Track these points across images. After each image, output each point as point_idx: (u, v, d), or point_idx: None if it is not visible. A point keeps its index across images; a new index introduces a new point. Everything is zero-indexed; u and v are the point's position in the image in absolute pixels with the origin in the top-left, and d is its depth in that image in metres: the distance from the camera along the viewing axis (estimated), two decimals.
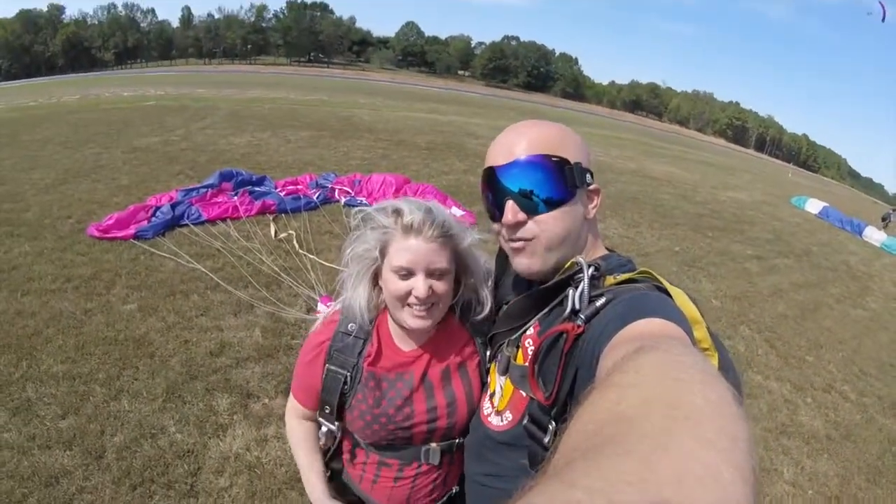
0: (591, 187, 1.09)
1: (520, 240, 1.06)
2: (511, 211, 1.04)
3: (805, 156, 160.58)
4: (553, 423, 0.92)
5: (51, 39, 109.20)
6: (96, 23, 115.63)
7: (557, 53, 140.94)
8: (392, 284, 1.22)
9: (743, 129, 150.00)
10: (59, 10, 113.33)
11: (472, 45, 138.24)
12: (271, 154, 10.96)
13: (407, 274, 1.20)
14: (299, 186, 8.09)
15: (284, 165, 9.92)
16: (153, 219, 6.32)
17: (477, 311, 1.35)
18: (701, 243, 8.98)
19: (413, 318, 1.24)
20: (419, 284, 1.20)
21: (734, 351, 5.22)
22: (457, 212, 6.97)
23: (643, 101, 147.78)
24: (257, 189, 7.64)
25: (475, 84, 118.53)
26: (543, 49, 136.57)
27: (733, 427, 0.41)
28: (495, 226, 1.12)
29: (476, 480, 1.22)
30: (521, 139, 1.05)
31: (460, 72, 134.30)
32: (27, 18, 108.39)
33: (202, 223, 6.50)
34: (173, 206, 6.59)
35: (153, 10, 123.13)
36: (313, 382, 1.36)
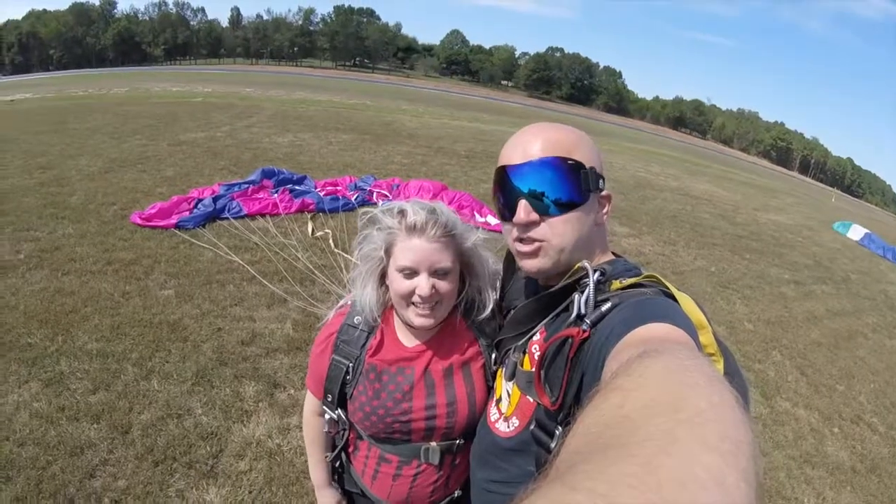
0: (603, 193, 1.09)
1: (531, 241, 1.06)
2: (524, 210, 1.03)
3: (850, 180, 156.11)
4: (560, 428, 0.92)
5: (102, 33, 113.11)
6: (147, 19, 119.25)
7: (601, 66, 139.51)
8: (397, 283, 1.25)
9: (787, 151, 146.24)
10: (112, 4, 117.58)
11: (516, 56, 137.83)
12: (313, 155, 11.11)
13: (411, 273, 1.23)
14: (339, 187, 8.20)
15: (325, 166, 10.04)
16: (195, 210, 6.52)
17: (479, 310, 1.36)
18: (738, 265, 8.79)
19: (417, 317, 1.26)
20: (423, 283, 1.22)
21: (764, 376, 5.10)
22: (492, 220, 6.98)
23: (687, 117, 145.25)
24: (297, 188, 7.77)
25: (518, 94, 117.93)
26: (587, 62, 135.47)
27: (737, 431, 0.41)
28: (506, 225, 1.11)
29: (482, 487, 1.21)
30: (536, 140, 1.05)
31: (503, 82, 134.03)
32: (80, 11, 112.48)
33: (242, 217, 6.65)
34: (215, 200, 6.78)
35: (203, 9, 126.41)
36: (321, 372, 1.41)
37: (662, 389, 0.48)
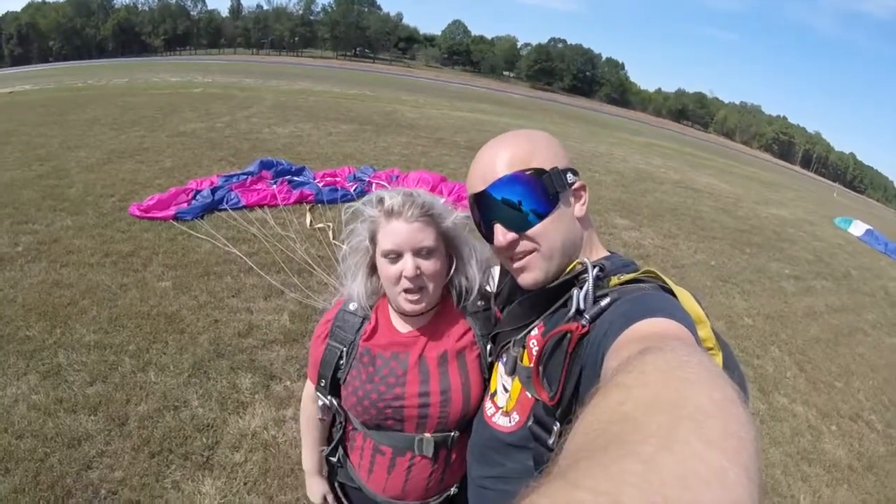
0: (575, 185, 1.08)
1: (519, 256, 1.07)
2: (500, 233, 1.05)
3: (851, 175, 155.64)
4: (557, 423, 0.93)
5: (102, 24, 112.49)
6: (147, 9, 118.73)
7: (604, 58, 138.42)
8: (384, 269, 1.28)
9: (789, 145, 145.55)
10: None
11: (518, 47, 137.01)
12: (312, 145, 11.10)
13: (396, 256, 1.25)
14: (337, 178, 8.20)
15: (324, 157, 10.03)
16: (193, 202, 6.51)
17: (468, 295, 1.38)
18: (738, 259, 8.77)
19: (407, 303, 1.28)
20: (407, 264, 1.24)
21: (762, 371, 5.10)
22: None
23: (689, 110, 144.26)
24: (296, 179, 7.76)
25: (520, 85, 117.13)
26: (590, 53, 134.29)
27: (739, 428, 0.41)
28: (491, 247, 1.13)
29: (479, 484, 1.22)
30: (493, 160, 1.06)
31: (505, 72, 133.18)
32: (79, 2, 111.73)
33: (240, 209, 6.65)
34: (213, 191, 6.78)
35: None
36: (317, 358, 1.43)
37: (664, 386, 0.48)
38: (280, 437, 3.11)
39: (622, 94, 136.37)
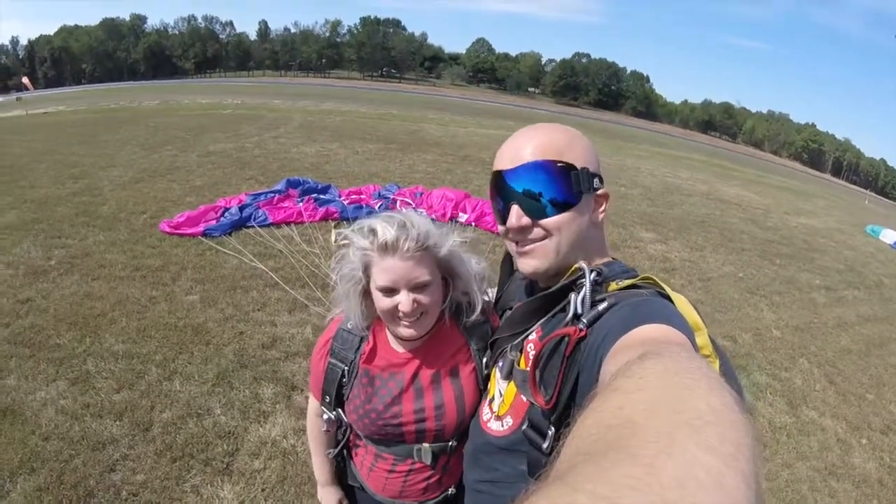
0: (600, 192, 1.08)
1: (528, 242, 1.07)
2: (515, 215, 1.05)
3: (883, 182, 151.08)
4: (552, 428, 0.93)
5: (133, 47, 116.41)
6: (177, 33, 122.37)
7: (629, 71, 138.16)
8: (379, 301, 1.26)
9: (819, 153, 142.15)
10: (141, 19, 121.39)
11: (543, 62, 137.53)
12: (339, 164, 11.24)
13: (391, 292, 1.23)
14: (362, 196, 8.28)
15: (351, 175, 10.13)
16: (222, 219, 6.68)
17: (469, 312, 1.37)
18: (767, 270, 8.59)
19: (404, 329, 1.28)
20: (404, 300, 1.23)
21: (790, 384, 4.97)
22: None
23: (717, 121, 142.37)
24: (322, 196, 7.88)
25: (545, 101, 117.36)
26: (614, 67, 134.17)
27: (737, 433, 0.41)
28: (502, 228, 1.12)
29: (474, 488, 1.22)
30: (527, 144, 1.06)
31: (530, 89, 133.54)
32: (110, 26, 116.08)
33: (267, 226, 6.78)
34: (241, 209, 6.94)
35: (231, 23, 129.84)
36: (319, 375, 1.46)
37: (663, 391, 0.48)
38: (299, 446, 3.14)
39: (648, 106, 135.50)
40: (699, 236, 9.77)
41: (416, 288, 1.23)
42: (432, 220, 1.31)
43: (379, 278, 1.23)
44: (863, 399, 5.01)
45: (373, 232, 1.22)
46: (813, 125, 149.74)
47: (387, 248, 1.20)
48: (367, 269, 1.27)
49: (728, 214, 12.74)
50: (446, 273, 1.32)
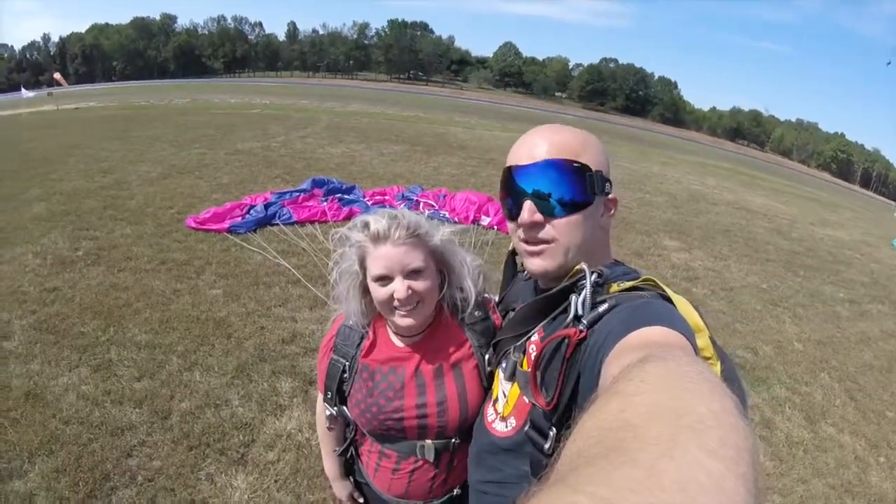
0: (611, 196, 1.09)
1: (538, 242, 1.06)
2: (528, 210, 1.03)
3: None
4: (553, 429, 0.93)
5: (163, 46, 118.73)
6: (206, 33, 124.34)
7: (656, 77, 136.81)
8: (376, 292, 1.29)
9: (848, 163, 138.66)
10: (171, 19, 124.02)
11: (570, 67, 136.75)
12: (364, 165, 11.31)
13: (386, 280, 1.27)
14: (386, 197, 8.34)
15: (375, 176, 10.19)
16: (247, 216, 6.80)
17: (465, 306, 1.39)
18: (790, 282, 8.43)
19: (401, 319, 1.30)
20: (399, 287, 1.26)
21: (810, 399, 4.87)
22: None
23: (745, 129, 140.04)
24: (346, 196, 7.98)
25: (572, 106, 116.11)
26: (642, 72, 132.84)
27: (737, 437, 0.42)
28: (511, 225, 1.12)
29: (478, 489, 1.23)
30: (543, 142, 1.06)
31: (557, 93, 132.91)
32: (141, 25, 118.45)
33: (292, 224, 6.87)
34: (266, 206, 7.05)
35: (261, 24, 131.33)
36: (322, 371, 1.49)
37: (664, 395, 0.48)
38: (314, 439, 3.16)
39: (675, 113, 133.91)
40: (723, 246, 9.62)
41: (410, 274, 1.26)
42: (430, 216, 1.35)
43: (373, 267, 1.27)
44: (883, 416, 4.90)
45: (365, 225, 1.27)
46: (842, 135, 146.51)
47: (379, 237, 1.25)
48: (363, 262, 1.30)
49: (753, 224, 12.54)
50: (440, 265, 1.35)
